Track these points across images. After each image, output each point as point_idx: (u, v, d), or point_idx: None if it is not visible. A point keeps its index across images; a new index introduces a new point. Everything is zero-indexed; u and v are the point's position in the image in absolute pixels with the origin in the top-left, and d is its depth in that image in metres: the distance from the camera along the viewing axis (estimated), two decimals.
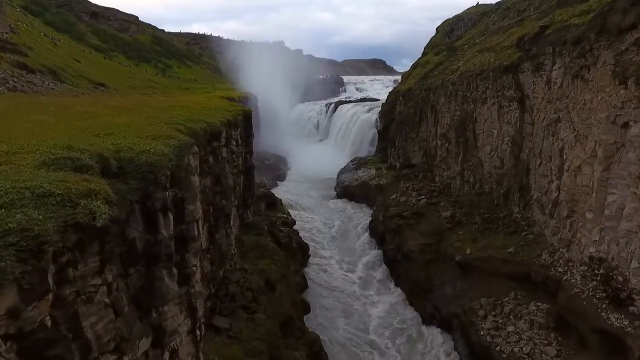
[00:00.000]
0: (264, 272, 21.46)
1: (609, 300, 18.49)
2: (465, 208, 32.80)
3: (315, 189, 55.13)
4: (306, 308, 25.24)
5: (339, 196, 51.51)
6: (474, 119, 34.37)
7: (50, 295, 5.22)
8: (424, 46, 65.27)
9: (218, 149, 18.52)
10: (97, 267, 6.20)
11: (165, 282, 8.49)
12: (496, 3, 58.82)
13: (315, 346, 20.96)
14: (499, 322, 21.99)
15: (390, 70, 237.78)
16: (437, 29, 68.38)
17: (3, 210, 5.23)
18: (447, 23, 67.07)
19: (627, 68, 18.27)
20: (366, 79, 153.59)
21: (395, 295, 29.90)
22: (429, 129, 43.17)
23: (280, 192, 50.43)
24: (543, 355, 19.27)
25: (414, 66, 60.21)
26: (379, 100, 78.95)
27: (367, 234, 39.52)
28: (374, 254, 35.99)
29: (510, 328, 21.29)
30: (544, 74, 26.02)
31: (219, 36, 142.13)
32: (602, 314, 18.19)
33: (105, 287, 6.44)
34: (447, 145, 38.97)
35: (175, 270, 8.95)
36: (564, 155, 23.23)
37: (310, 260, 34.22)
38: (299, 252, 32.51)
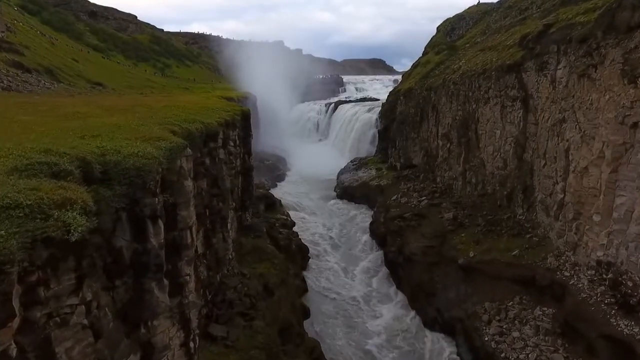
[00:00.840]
0: (263, 276, 20.89)
1: (618, 306, 17.93)
2: (467, 209, 32.24)
3: (315, 189, 54.59)
4: (306, 313, 24.66)
5: (339, 197, 50.99)
6: (476, 119, 33.83)
7: (16, 320, 4.66)
8: (425, 45, 64.78)
9: (215, 150, 17.96)
10: (72, 285, 5.63)
11: (154, 295, 7.93)
12: (497, 2, 58.34)
13: (315, 352, 20.41)
14: (504, 327, 21.44)
15: (390, 70, 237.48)
16: (437, 28, 67.89)
17: None
18: (448, 22, 66.60)
19: (636, 67, 17.73)
20: (366, 78, 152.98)
21: (396, 298, 29.33)
22: (430, 129, 42.63)
23: (280, 192, 49.88)
24: None
25: (415, 65, 59.74)
26: (379, 100, 78.46)
27: (367, 236, 38.98)
28: (375, 256, 35.44)
29: (516, 334, 20.74)
30: (548, 73, 25.48)
31: (218, 36, 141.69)
32: (611, 320, 17.64)
33: (83, 307, 5.87)
34: (448, 145, 38.42)
35: (166, 281, 8.39)
36: (570, 156, 22.67)
37: (310, 262, 33.66)
38: (299, 254, 31.95)
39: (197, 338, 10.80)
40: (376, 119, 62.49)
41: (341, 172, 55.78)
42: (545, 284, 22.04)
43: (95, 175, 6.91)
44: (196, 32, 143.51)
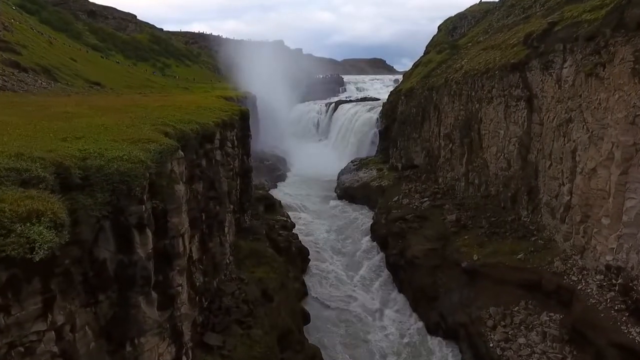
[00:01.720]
0: (262, 281, 20.29)
1: (628, 312, 17.32)
2: (470, 211, 31.65)
3: (316, 190, 54.02)
4: (306, 318, 24.04)
5: (340, 197, 50.42)
6: (479, 119, 33.23)
7: None
8: (425, 45, 64.19)
9: (211, 152, 17.37)
10: (39, 309, 5.04)
11: (141, 310, 7.35)
12: (500, 0, 57.63)
13: (315, 359, 19.81)
14: (509, 333, 20.83)
15: (390, 70, 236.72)
16: (439, 27, 67.25)
17: None
18: (449, 21, 65.97)
19: None
20: (366, 78, 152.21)
21: (398, 302, 28.72)
22: (432, 129, 42.04)
23: (280, 193, 49.32)
24: None
25: (416, 65, 59.13)
26: (379, 99, 77.90)
27: (368, 237, 38.38)
28: (376, 258, 34.83)
29: (522, 340, 20.13)
30: (553, 72, 24.87)
31: (218, 35, 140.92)
32: (621, 327, 17.02)
33: (52, 333, 5.28)
34: (450, 145, 37.83)
35: (154, 295, 7.80)
36: (577, 157, 22.06)
37: (310, 265, 33.06)
38: (299, 257, 31.37)
39: (190, 351, 10.21)
40: (377, 119, 61.94)
41: (342, 173, 55.20)
42: (551, 289, 21.43)
43: (73, 182, 6.32)
44: (196, 31, 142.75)
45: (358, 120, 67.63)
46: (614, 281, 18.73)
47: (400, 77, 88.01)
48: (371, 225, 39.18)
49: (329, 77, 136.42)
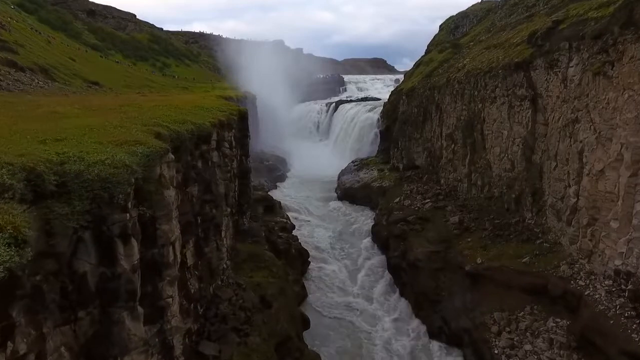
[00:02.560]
0: (260, 286, 19.71)
1: (639, 320, 16.75)
2: (473, 213, 31.07)
3: (316, 190, 53.49)
4: (306, 323, 23.44)
5: (340, 198, 49.87)
6: (482, 119, 32.65)
7: None
8: (427, 44, 63.71)
9: (208, 153, 16.82)
10: None
11: (125, 326, 6.79)
12: None
13: None
14: (515, 339, 20.25)
15: (391, 70, 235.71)
16: (440, 26, 66.81)
17: None
18: (451, 20, 65.49)
19: None
20: (367, 78, 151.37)
21: (400, 306, 28.16)
22: (434, 129, 41.46)
23: (280, 194, 48.80)
24: None
25: (417, 64, 58.58)
26: (380, 99, 77.37)
27: (369, 239, 37.83)
28: (377, 260, 34.27)
29: (528, 347, 19.55)
30: (559, 71, 24.28)
31: (218, 35, 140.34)
32: (632, 335, 16.43)
33: None
34: (453, 146, 37.25)
35: (140, 309, 7.23)
36: (584, 159, 21.46)
37: (310, 267, 32.52)
38: (299, 259, 30.83)
39: None
40: (378, 119, 61.39)
41: (342, 173, 54.64)
42: (558, 294, 20.84)
43: (47, 189, 5.76)
44: (196, 31, 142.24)
45: (359, 120, 67.11)
46: (623, 287, 18.13)
47: (400, 77, 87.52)
48: (372, 226, 38.63)
49: (330, 76, 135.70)
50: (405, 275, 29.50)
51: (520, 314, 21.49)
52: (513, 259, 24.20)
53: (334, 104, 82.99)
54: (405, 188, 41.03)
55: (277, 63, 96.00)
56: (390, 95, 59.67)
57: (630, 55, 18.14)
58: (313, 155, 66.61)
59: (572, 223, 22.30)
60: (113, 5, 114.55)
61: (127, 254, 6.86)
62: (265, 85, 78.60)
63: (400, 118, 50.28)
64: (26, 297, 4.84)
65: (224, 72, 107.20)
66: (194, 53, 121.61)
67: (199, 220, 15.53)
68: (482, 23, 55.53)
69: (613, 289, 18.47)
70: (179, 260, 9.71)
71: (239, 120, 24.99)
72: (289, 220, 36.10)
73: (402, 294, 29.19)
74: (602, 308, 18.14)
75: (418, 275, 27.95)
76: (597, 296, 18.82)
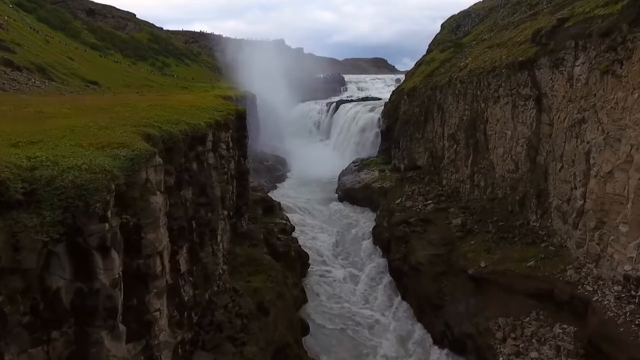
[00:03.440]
0: (257, 292, 19.12)
1: None
2: (476, 215, 30.47)
3: (316, 191, 52.94)
4: (305, 329, 22.85)
5: (341, 199, 49.31)
6: (485, 119, 32.06)
7: None
8: (428, 44, 63.20)
9: (203, 155, 16.24)
10: None
11: (104, 347, 6.20)
12: None
13: None
14: (520, 346, 19.65)
15: (391, 69, 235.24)
16: (442, 25, 66.20)
17: None
18: (452, 19, 64.90)
19: None
20: (368, 77, 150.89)
21: (401, 310, 27.55)
22: (436, 129, 40.88)
23: (279, 195, 48.20)
24: None
25: (419, 64, 58.06)
26: (381, 99, 76.81)
27: (370, 241, 37.25)
28: (378, 262, 33.67)
29: (534, 354, 18.96)
30: (564, 70, 23.66)
31: (218, 34, 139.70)
32: None
33: None
34: (455, 146, 36.66)
35: (122, 327, 6.64)
36: (591, 160, 20.84)
37: (310, 269, 31.92)
38: (298, 262, 30.21)
39: None
40: (379, 119, 60.87)
41: (343, 174, 54.08)
42: (564, 299, 20.23)
43: (12, 198, 5.18)
44: (196, 30, 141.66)
45: (359, 120, 66.57)
46: (633, 292, 17.54)
47: (401, 77, 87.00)
48: (373, 228, 38.04)
49: (330, 76, 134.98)
50: (407, 279, 28.90)
51: (526, 320, 20.88)
52: (518, 262, 23.59)
53: (334, 103, 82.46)
54: (407, 189, 40.45)
55: (277, 63, 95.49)
56: (391, 95, 59.15)
57: None
58: (313, 156, 66.03)
59: (579, 226, 21.69)
60: (113, 4, 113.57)
61: (107, 268, 6.28)
62: (265, 85, 78.10)
63: (402, 118, 49.73)
64: None
65: (224, 71, 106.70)
66: (194, 52, 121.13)
67: (194, 225, 14.95)
68: (484, 22, 54.94)
69: (622, 295, 17.86)
70: (167, 270, 9.12)
71: (236, 120, 24.41)
72: (289, 221, 35.50)
73: (404, 298, 28.59)
74: (611, 315, 17.54)
75: (420, 278, 27.34)
76: (605, 302, 18.21)
